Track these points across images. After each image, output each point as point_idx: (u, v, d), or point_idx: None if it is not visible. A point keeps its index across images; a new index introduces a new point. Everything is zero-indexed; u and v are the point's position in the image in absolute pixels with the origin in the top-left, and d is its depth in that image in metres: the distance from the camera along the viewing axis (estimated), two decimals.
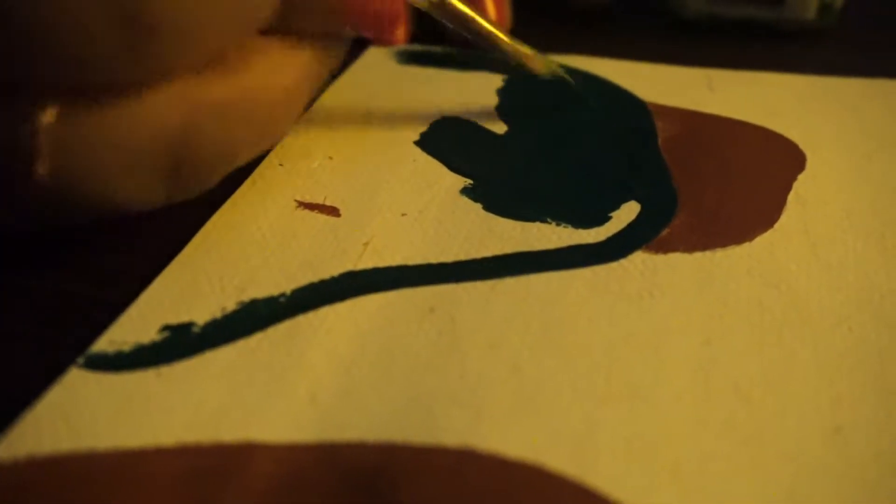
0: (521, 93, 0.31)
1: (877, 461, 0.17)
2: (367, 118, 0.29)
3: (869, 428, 0.18)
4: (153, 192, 0.20)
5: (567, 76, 0.29)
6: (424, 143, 0.28)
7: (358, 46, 0.34)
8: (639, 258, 0.22)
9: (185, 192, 0.21)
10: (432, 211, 0.24)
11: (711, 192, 0.25)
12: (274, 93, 0.21)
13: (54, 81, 0.18)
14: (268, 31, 0.21)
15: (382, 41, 0.23)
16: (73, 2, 0.16)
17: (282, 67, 0.21)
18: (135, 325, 0.20)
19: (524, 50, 0.27)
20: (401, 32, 0.23)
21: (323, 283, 0.21)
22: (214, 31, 0.19)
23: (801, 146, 0.27)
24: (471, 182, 0.26)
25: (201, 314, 0.20)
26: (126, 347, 0.19)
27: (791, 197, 0.25)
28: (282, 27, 0.21)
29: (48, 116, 0.18)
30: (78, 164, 0.18)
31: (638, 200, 0.25)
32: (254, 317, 0.20)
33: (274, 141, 0.23)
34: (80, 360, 0.19)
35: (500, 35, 0.27)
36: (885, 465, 0.17)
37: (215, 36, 0.19)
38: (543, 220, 0.24)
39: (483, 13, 0.34)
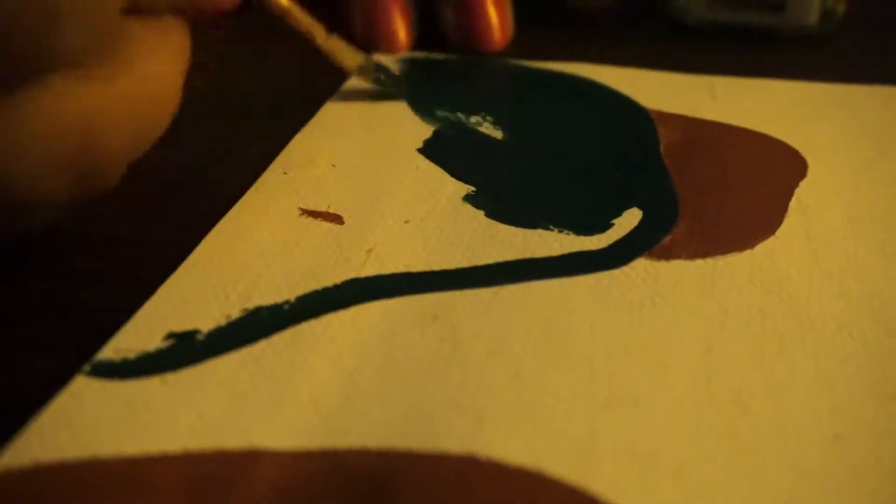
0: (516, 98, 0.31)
1: (876, 468, 0.17)
2: (371, 126, 0.29)
3: (869, 435, 0.18)
4: (55, 191, 0.20)
5: (383, 80, 0.31)
6: (427, 150, 0.28)
7: None
8: (640, 265, 0.23)
9: (90, 190, 0.20)
10: (435, 218, 0.24)
11: (713, 199, 0.25)
12: (159, 84, 0.21)
13: None
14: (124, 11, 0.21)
15: (214, 13, 0.23)
16: None
17: (161, 57, 0.21)
18: (140, 333, 0.20)
19: (338, 44, 0.29)
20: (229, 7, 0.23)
21: (326, 290, 0.22)
22: (80, 19, 0.19)
23: (803, 153, 0.28)
24: (473, 189, 0.26)
25: (206, 322, 0.20)
26: (131, 355, 0.19)
27: (793, 204, 0.25)
28: (137, 5, 0.21)
29: None
30: None
31: (639, 207, 0.25)
32: (258, 324, 0.20)
33: (162, 129, 0.22)
34: (86, 367, 0.19)
35: (316, 29, 0.28)
36: (885, 473, 0.17)
37: (82, 22, 0.19)
38: (546, 228, 0.24)
39: (486, 20, 0.35)
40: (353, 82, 0.31)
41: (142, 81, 0.21)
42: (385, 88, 0.31)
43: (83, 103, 0.19)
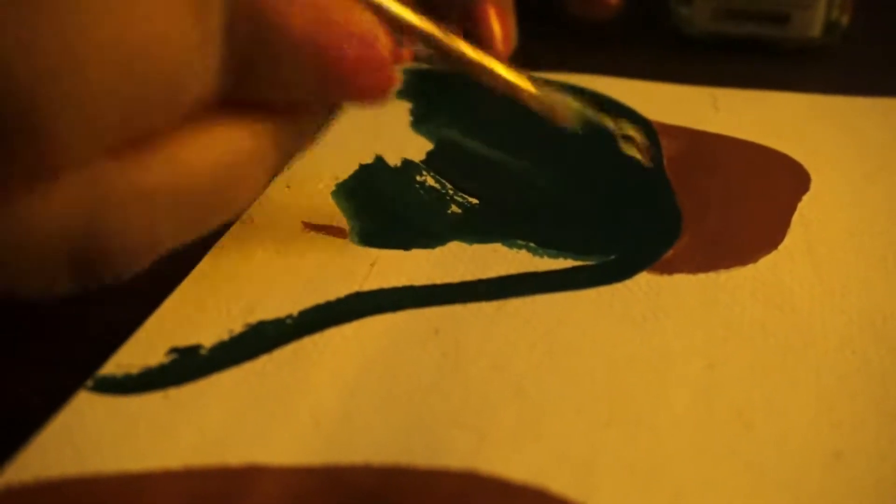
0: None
1: (877, 487, 0.17)
2: (374, 139, 0.29)
3: (870, 453, 0.18)
4: (56, 283, 0.17)
5: (590, 112, 0.24)
6: (430, 162, 0.28)
7: None
8: (643, 279, 0.23)
9: (97, 281, 0.18)
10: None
11: (716, 213, 0.25)
12: (207, 176, 0.18)
13: None
14: (226, 102, 0.18)
15: (368, 99, 0.18)
16: None
17: (222, 144, 0.18)
18: (143, 348, 0.20)
19: (552, 96, 0.23)
20: (388, 86, 0.19)
21: (329, 304, 0.22)
22: (117, 121, 0.16)
23: (806, 166, 0.27)
24: (476, 202, 0.26)
25: (208, 337, 0.20)
26: (134, 370, 0.19)
27: (795, 218, 0.25)
28: (243, 96, 0.18)
29: None
30: None
31: (642, 221, 0.25)
32: (260, 339, 0.20)
33: (210, 228, 0.19)
34: (89, 383, 0.19)
35: (522, 81, 0.23)
36: (885, 491, 0.17)
37: (120, 126, 0.16)
38: (550, 256, 0.24)
39: (489, 31, 0.35)
40: None
41: (179, 174, 0.17)
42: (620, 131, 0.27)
43: (92, 197, 0.16)
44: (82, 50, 0.15)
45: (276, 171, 0.19)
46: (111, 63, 0.15)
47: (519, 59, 0.35)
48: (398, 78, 0.18)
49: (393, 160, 0.28)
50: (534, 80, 0.23)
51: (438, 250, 0.24)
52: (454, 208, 0.25)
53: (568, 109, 0.23)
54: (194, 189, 0.17)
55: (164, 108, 0.16)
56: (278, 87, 0.18)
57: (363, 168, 0.27)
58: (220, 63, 0.17)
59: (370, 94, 0.18)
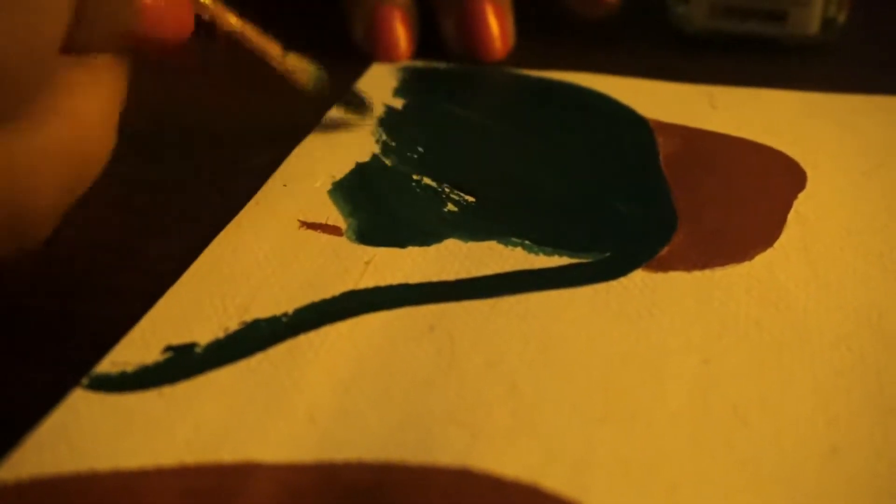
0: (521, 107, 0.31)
1: (874, 482, 0.17)
2: (370, 137, 0.29)
3: (866, 448, 0.18)
4: None
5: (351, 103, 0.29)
6: (426, 161, 0.28)
7: (361, 65, 0.34)
8: (638, 277, 0.23)
9: (18, 247, 0.19)
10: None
11: (712, 210, 0.25)
12: (88, 129, 0.19)
13: None
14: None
15: (165, 47, 0.21)
16: None
17: (90, 98, 0.19)
18: (138, 346, 0.20)
19: (296, 63, 0.27)
20: (183, 30, 0.21)
21: (324, 302, 0.22)
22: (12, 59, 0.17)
23: (802, 164, 0.28)
24: (473, 199, 0.26)
25: (204, 335, 0.20)
26: (129, 368, 0.19)
27: (791, 215, 0.25)
28: (73, 45, 0.19)
29: None
30: None
31: (638, 218, 0.25)
32: (256, 337, 0.20)
33: (95, 174, 0.20)
34: (84, 380, 0.19)
35: (271, 48, 0.26)
36: (882, 487, 0.17)
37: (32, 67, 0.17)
38: (545, 253, 0.24)
39: (487, 30, 0.35)
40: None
41: (70, 126, 0.19)
42: (352, 113, 0.30)
43: (5, 157, 0.17)
44: None
45: (119, 112, 0.21)
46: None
47: (517, 58, 0.35)
48: (191, 25, 0.21)
49: (389, 158, 0.28)
50: (283, 48, 0.27)
51: (434, 248, 0.24)
52: (450, 206, 0.25)
53: (306, 73, 0.27)
54: (81, 141, 0.19)
55: (45, 51, 0.17)
56: (94, 30, 0.19)
57: (359, 166, 0.27)
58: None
59: (168, 35, 0.21)
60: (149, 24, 0.20)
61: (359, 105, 0.30)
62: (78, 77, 0.19)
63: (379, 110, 0.31)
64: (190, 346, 0.20)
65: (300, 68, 0.27)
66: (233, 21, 0.25)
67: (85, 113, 0.19)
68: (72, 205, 0.20)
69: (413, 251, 0.23)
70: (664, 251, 0.23)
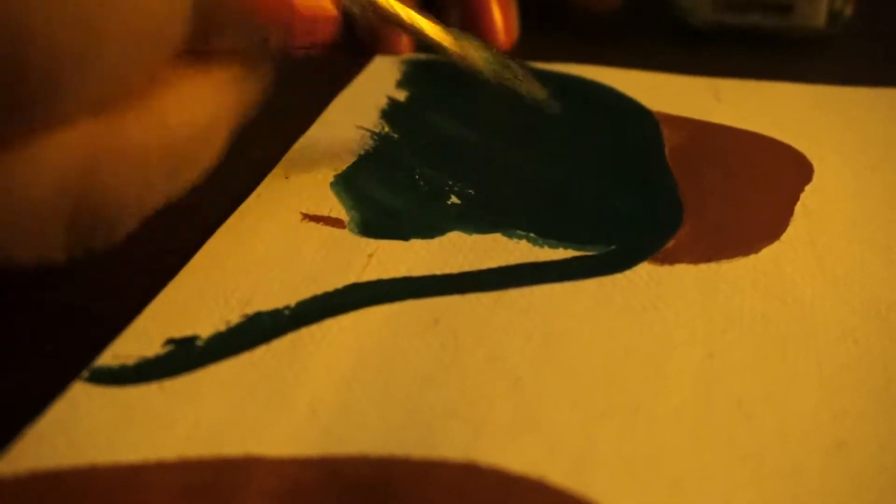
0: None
1: (880, 477, 0.17)
2: (374, 130, 0.29)
3: (872, 443, 0.18)
4: (51, 247, 0.18)
5: (517, 81, 0.26)
6: (430, 153, 0.28)
7: (364, 57, 0.34)
8: (644, 270, 0.22)
9: (90, 244, 0.18)
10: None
11: (717, 203, 0.25)
12: (188, 129, 0.19)
13: None
14: (180, 55, 0.18)
15: (311, 44, 0.20)
16: None
17: (197, 99, 0.19)
18: (139, 339, 0.20)
19: (471, 47, 0.26)
20: (330, 33, 0.21)
21: (327, 295, 0.22)
22: (111, 64, 0.16)
23: (808, 156, 0.27)
24: (473, 193, 0.26)
25: (205, 328, 0.20)
26: (130, 361, 0.19)
27: (798, 208, 0.25)
28: (195, 47, 0.19)
29: None
30: None
31: (643, 211, 0.25)
32: (257, 330, 0.20)
33: (192, 182, 0.20)
34: (85, 374, 0.19)
35: (442, 34, 0.25)
36: (888, 481, 0.17)
37: (113, 69, 0.17)
38: (550, 246, 0.23)
39: (491, 22, 0.34)
40: (355, 86, 0.31)
41: (164, 128, 0.18)
42: (527, 90, 0.27)
43: (83, 151, 0.17)
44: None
45: (235, 123, 0.20)
46: (113, 10, 0.16)
47: (521, 51, 0.35)
48: (336, 29, 0.21)
49: (392, 151, 0.28)
50: (454, 36, 0.25)
51: (437, 241, 0.23)
52: (453, 199, 0.25)
53: (481, 60, 0.26)
54: (178, 143, 0.18)
55: (153, 55, 0.17)
56: (230, 34, 0.19)
57: (362, 158, 0.27)
58: (189, 8, 0.18)
59: (312, 42, 0.20)
60: (299, 31, 0.20)
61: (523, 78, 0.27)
62: (193, 82, 0.19)
63: (382, 102, 0.30)
64: (191, 339, 0.20)
65: (473, 54, 0.26)
66: (405, 14, 0.24)
67: (188, 118, 0.19)
68: (158, 209, 0.19)
69: (416, 244, 0.23)
70: (670, 244, 0.23)
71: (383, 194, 0.25)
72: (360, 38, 0.34)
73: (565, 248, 0.23)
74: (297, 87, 0.32)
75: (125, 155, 0.18)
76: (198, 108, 0.19)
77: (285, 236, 0.23)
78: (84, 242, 0.18)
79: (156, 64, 0.18)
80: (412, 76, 0.33)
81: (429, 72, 0.33)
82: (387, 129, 0.29)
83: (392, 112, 0.30)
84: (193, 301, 0.21)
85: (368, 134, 0.29)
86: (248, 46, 0.20)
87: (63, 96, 0.16)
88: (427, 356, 0.20)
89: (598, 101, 0.31)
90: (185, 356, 0.20)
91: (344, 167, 0.27)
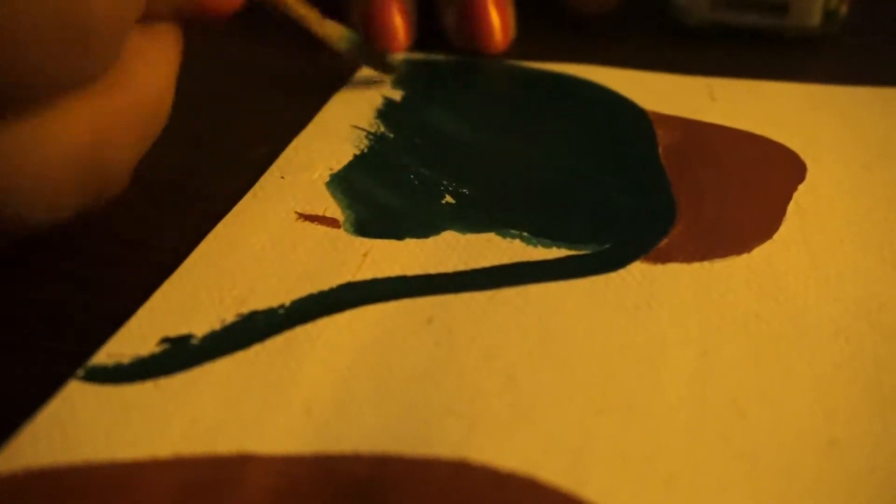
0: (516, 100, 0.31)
1: (872, 475, 0.17)
2: (368, 129, 0.29)
3: (865, 440, 0.18)
4: (62, 208, 0.20)
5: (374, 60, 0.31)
6: (425, 152, 0.28)
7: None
8: (637, 269, 0.22)
9: (100, 199, 0.21)
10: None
11: (711, 202, 0.25)
12: (155, 90, 0.21)
13: None
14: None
15: (216, 14, 0.23)
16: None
17: (156, 62, 0.21)
18: (134, 338, 0.20)
19: (333, 28, 0.30)
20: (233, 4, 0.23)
21: (322, 294, 0.22)
22: (125, 25, 0.19)
23: (802, 156, 0.27)
24: (468, 192, 0.26)
25: (200, 326, 0.20)
26: (125, 360, 0.19)
27: (791, 207, 0.25)
28: (147, 14, 0.21)
29: None
30: None
31: (637, 210, 0.25)
32: (253, 329, 0.20)
33: (159, 131, 0.22)
34: (80, 372, 0.19)
35: (311, 15, 0.29)
36: (881, 479, 0.17)
37: (124, 30, 0.19)
38: (544, 245, 0.23)
39: (487, 20, 0.34)
40: (352, 86, 0.31)
41: (140, 88, 0.21)
42: (376, 69, 0.32)
43: (91, 119, 0.19)
44: None
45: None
46: None
47: (517, 50, 0.35)
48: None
49: (388, 150, 0.28)
50: (320, 14, 0.29)
51: (432, 240, 0.24)
52: (448, 198, 0.25)
53: (341, 38, 0.30)
54: (150, 103, 0.21)
55: (131, 25, 0.20)
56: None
57: (357, 158, 0.27)
58: None
59: (217, 9, 0.23)
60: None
61: (384, 65, 0.32)
62: (145, 43, 0.21)
63: (377, 102, 0.31)
64: (186, 338, 0.20)
65: (336, 32, 0.30)
66: None
67: (152, 76, 0.21)
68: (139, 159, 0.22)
69: (411, 243, 0.23)
70: (663, 243, 0.23)
71: (378, 194, 0.25)
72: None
73: (559, 247, 0.23)
74: (292, 88, 0.32)
75: (120, 119, 0.20)
76: (160, 70, 0.21)
77: (280, 236, 0.24)
78: (93, 198, 0.20)
79: (130, 25, 0.20)
80: (408, 76, 0.33)
81: (424, 72, 0.33)
82: (382, 128, 0.29)
83: (387, 112, 0.30)
84: (189, 300, 0.21)
85: (364, 133, 0.29)
86: (174, 11, 0.22)
87: (86, 67, 0.18)
88: (422, 354, 0.20)
89: (592, 100, 0.31)
90: (180, 355, 0.20)
91: (339, 167, 0.27)
